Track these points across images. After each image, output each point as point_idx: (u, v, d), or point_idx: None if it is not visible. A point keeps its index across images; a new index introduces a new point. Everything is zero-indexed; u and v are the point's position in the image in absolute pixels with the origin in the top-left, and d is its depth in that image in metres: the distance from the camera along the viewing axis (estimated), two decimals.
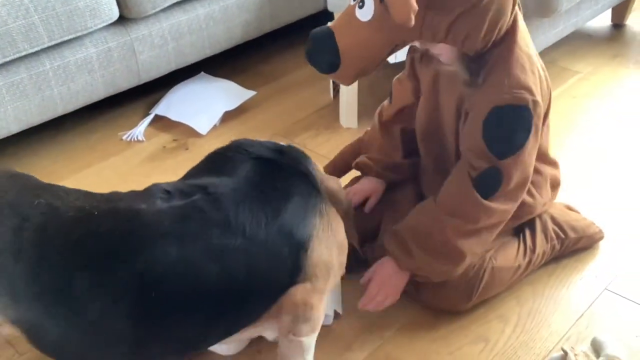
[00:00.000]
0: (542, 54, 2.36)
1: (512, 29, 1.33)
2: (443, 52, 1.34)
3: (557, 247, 1.61)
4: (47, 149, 2.15)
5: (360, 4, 1.25)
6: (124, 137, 2.19)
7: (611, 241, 1.70)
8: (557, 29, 2.28)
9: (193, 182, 1.21)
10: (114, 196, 1.17)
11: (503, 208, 1.38)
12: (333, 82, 2.33)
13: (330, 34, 1.28)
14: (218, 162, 1.28)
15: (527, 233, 1.56)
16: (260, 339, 1.46)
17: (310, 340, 1.29)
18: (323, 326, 1.48)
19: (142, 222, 1.10)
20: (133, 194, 1.19)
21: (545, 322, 1.50)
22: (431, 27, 1.24)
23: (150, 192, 1.17)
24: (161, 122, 2.24)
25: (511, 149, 1.34)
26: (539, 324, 1.49)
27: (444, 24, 1.24)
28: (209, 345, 1.22)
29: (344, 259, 1.30)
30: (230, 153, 1.28)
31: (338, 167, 1.74)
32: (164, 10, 2.18)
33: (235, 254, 1.13)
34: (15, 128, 1.99)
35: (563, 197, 1.71)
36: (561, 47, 2.56)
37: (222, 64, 2.49)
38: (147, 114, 2.28)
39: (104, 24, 2.04)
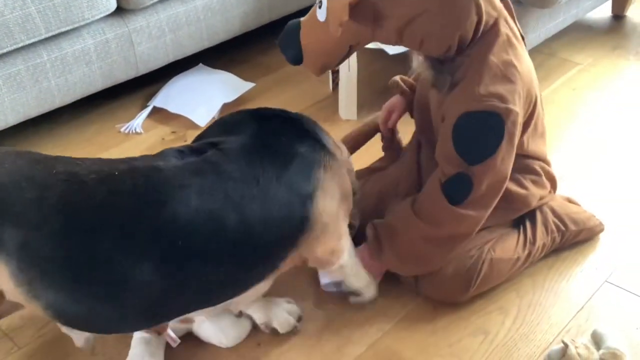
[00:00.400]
0: (542, 45, 2.37)
1: (490, 36, 1.32)
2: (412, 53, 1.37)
3: (558, 239, 1.60)
4: (44, 141, 2.14)
5: (319, 4, 1.30)
6: (122, 130, 2.18)
7: (611, 233, 1.69)
8: (557, 20, 2.27)
9: (203, 141, 1.27)
10: (128, 158, 1.20)
11: (473, 215, 1.36)
12: (332, 74, 2.32)
13: (296, 29, 1.35)
14: (226, 124, 1.33)
15: (528, 225, 1.55)
16: (260, 331, 1.45)
17: (350, 260, 1.40)
18: (322, 320, 1.48)
19: (160, 178, 1.13)
20: (146, 156, 1.23)
21: (546, 314, 1.49)
22: (382, 32, 1.29)
23: (163, 153, 1.22)
24: (159, 114, 2.23)
25: (480, 156, 1.33)
26: (539, 316, 1.49)
27: (393, 28, 1.27)
28: (229, 298, 1.25)
29: (349, 205, 1.36)
30: (237, 117, 1.34)
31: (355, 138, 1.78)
32: (161, 1, 2.17)
33: (252, 204, 1.16)
34: (12, 120, 1.98)
35: (563, 188, 1.70)
36: (561, 38, 2.55)
37: (220, 55, 2.48)
38: (145, 106, 2.27)
39: (102, 15, 2.03)
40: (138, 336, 1.40)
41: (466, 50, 1.32)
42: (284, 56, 1.40)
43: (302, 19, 1.37)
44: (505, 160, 1.35)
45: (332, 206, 1.28)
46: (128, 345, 1.40)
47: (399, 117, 1.67)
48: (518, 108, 1.33)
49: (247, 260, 1.19)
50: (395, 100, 1.67)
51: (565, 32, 2.54)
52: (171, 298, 1.16)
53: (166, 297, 1.14)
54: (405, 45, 1.32)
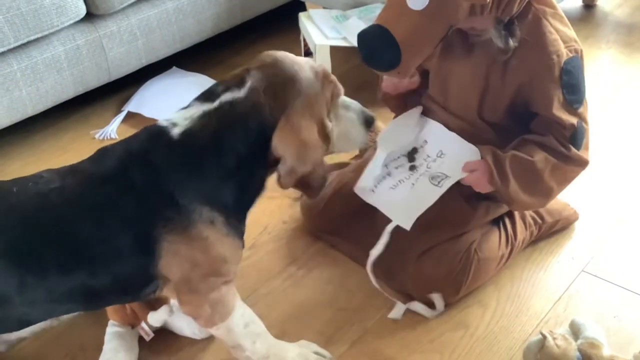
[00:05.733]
0: None
1: None
2: (478, 23, 1.34)
3: (535, 232, 1.62)
4: (17, 150, 2.11)
5: None
6: (97, 136, 2.16)
7: (586, 222, 1.71)
8: None
9: (65, 170, 1.24)
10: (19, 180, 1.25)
11: (587, 158, 1.45)
12: None
13: (384, 30, 1.28)
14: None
15: (507, 222, 1.56)
16: None
17: (228, 327, 1.29)
18: (303, 319, 1.48)
19: (7, 203, 1.19)
20: (29, 179, 1.24)
21: (524, 306, 1.51)
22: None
23: (37, 175, 1.24)
24: (134, 119, 2.22)
25: (582, 98, 1.41)
26: (517, 308, 1.50)
27: None
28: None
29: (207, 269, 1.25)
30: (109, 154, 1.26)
31: None
32: (131, 5, 2.15)
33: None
34: None
35: None
36: None
37: (194, 57, 2.47)
38: (120, 111, 2.25)
39: (71, 22, 2.01)
40: (111, 330, 1.41)
41: (526, 7, 1.34)
42: (376, 65, 1.32)
43: (378, 21, 1.31)
44: None
45: (184, 269, 1.22)
46: None
47: (418, 82, 1.57)
48: None
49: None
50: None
51: None
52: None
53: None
54: (491, 13, 1.29)
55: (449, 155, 1.45)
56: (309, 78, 1.24)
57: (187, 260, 1.21)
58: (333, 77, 1.30)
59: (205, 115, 1.20)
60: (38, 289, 1.18)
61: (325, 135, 1.26)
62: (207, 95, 1.23)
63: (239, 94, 1.20)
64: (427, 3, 1.25)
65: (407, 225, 1.43)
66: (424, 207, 1.42)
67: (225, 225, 1.21)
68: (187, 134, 1.19)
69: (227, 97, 1.20)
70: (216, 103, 1.21)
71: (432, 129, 1.50)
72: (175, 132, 1.20)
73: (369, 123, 1.36)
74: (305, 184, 1.27)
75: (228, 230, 1.22)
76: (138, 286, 1.24)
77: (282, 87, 1.21)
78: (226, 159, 1.19)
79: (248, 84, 1.20)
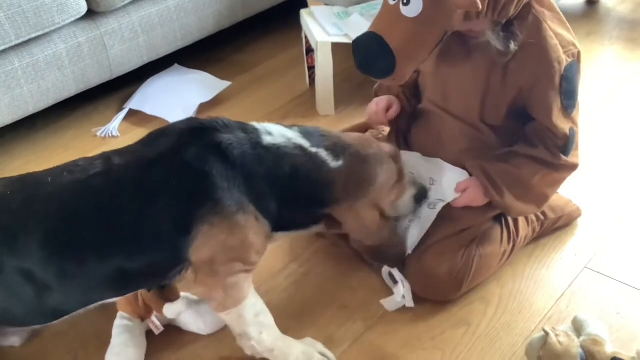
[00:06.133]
0: None
1: None
2: (474, 26, 1.33)
3: (538, 228, 1.61)
4: (19, 149, 2.12)
5: (405, 1, 1.25)
6: (98, 134, 2.16)
7: (589, 218, 1.70)
8: None
9: (109, 154, 1.27)
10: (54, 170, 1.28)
11: (577, 161, 1.47)
12: (309, 69, 2.31)
13: (378, 37, 1.27)
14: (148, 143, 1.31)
15: (509, 218, 1.55)
16: None
17: (239, 313, 1.31)
18: (305, 317, 1.48)
19: (44, 192, 1.22)
20: (63, 168, 1.27)
21: (527, 302, 1.50)
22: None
23: (72, 164, 1.28)
24: (136, 117, 2.22)
25: (575, 103, 1.41)
26: (520, 305, 1.50)
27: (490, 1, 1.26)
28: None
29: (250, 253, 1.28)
30: (162, 139, 1.28)
31: None
32: (133, 2, 2.15)
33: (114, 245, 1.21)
34: None
35: None
36: None
37: (195, 55, 2.47)
38: (121, 109, 2.25)
39: (73, 19, 2.01)
40: (121, 323, 1.41)
41: (523, 9, 1.33)
42: (370, 72, 1.32)
43: (372, 28, 1.30)
44: None
45: (213, 252, 1.24)
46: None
47: (397, 112, 1.61)
48: None
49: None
50: (390, 98, 1.62)
51: None
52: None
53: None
54: (487, 16, 1.28)
55: (438, 180, 1.50)
56: (383, 181, 1.37)
57: (220, 244, 1.24)
58: (404, 175, 1.43)
59: (301, 149, 1.30)
60: (76, 277, 1.20)
61: (386, 219, 1.41)
62: (309, 135, 1.33)
63: (331, 162, 1.31)
64: (421, 10, 1.24)
65: (410, 249, 1.49)
66: (425, 230, 1.49)
67: (266, 224, 1.29)
68: (277, 147, 1.28)
69: (323, 154, 1.31)
70: (314, 150, 1.31)
71: (412, 161, 1.53)
72: (267, 139, 1.29)
73: (419, 200, 1.49)
74: (382, 256, 1.47)
75: (267, 228, 1.29)
76: (168, 267, 1.26)
77: (358, 183, 1.34)
78: (285, 190, 1.28)
79: (341, 162, 1.32)
